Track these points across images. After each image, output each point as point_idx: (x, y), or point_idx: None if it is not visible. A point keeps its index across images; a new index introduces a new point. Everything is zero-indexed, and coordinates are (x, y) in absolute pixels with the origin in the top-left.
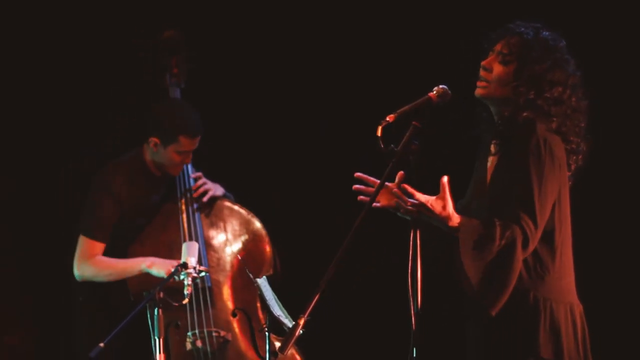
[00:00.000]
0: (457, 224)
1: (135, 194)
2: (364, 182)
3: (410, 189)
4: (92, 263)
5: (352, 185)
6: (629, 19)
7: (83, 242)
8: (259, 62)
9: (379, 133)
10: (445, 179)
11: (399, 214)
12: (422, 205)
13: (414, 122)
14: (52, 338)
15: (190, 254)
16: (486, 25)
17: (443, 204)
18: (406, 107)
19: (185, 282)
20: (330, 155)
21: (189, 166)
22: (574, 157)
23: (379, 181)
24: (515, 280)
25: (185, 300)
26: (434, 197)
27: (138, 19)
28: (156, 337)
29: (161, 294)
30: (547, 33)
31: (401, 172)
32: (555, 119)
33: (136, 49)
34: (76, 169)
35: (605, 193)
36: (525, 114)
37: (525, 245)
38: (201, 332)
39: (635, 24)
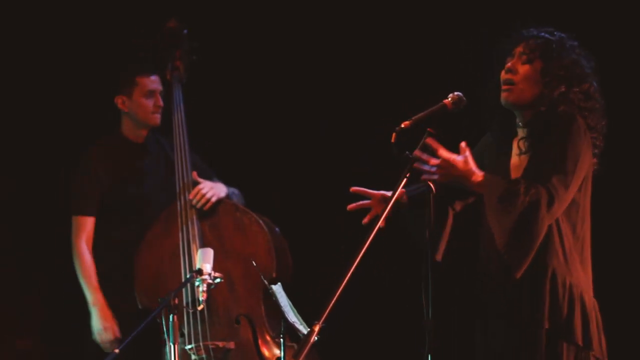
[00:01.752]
0: (481, 178)
1: (114, 165)
2: (361, 197)
3: (434, 144)
4: (77, 251)
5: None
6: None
7: (73, 221)
8: (262, 60)
9: (393, 140)
10: (463, 143)
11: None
12: (445, 161)
13: (428, 129)
14: (65, 342)
15: (205, 260)
16: (495, 29)
17: (465, 159)
18: (421, 114)
19: (201, 289)
20: (333, 156)
21: (188, 165)
22: (594, 160)
23: (375, 192)
24: (539, 241)
25: (201, 307)
26: (458, 156)
27: (139, 18)
28: (171, 344)
29: (176, 301)
30: (562, 34)
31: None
32: (587, 113)
33: (136, 48)
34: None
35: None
36: (563, 107)
37: (550, 204)
38: (198, 346)
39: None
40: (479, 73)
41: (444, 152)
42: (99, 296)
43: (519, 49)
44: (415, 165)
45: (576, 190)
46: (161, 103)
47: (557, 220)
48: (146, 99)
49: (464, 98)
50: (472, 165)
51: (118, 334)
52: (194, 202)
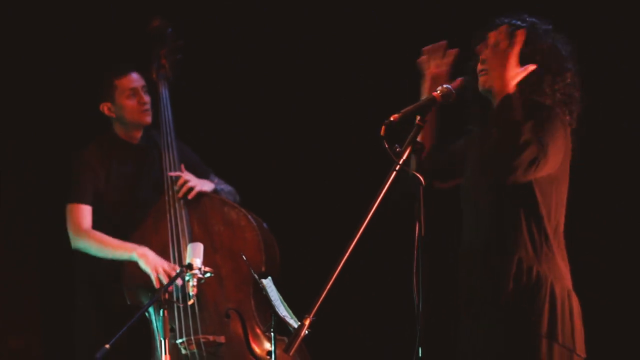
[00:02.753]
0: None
1: (107, 161)
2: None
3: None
4: (84, 233)
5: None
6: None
7: (68, 210)
8: (254, 58)
9: (382, 133)
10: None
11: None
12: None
13: (418, 122)
14: (59, 341)
15: (195, 254)
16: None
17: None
18: (410, 107)
19: (191, 283)
20: (332, 152)
21: (176, 160)
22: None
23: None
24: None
25: (191, 301)
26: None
27: (122, 17)
28: (161, 338)
29: (166, 295)
30: (533, 19)
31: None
32: (565, 100)
33: (120, 49)
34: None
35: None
36: (541, 98)
37: (535, 159)
38: (189, 339)
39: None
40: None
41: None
42: (128, 245)
43: (491, 38)
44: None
45: (556, 166)
46: (146, 99)
47: (529, 209)
48: (130, 100)
49: (454, 91)
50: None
51: (161, 264)
52: (176, 188)
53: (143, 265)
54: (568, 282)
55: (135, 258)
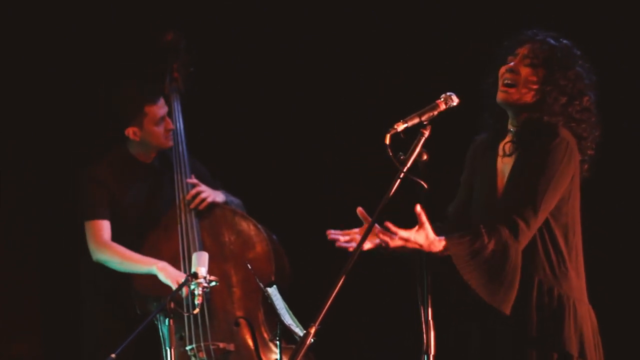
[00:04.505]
0: (443, 247)
1: (121, 180)
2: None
3: (393, 228)
4: (105, 247)
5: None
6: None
7: (87, 226)
8: (254, 58)
9: (387, 141)
10: (418, 207)
11: (383, 253)
12: (406, 240)
13: (422, 130)
14: (59, 341)
15: (200, 263)
16: (494, 32)
17: (425, 234)
18: (414, 115)
19: (196, 292)
20: (336, 161)
21: (187, 172)
22: (585, 167)
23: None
24: (519, 275)
25: (196, 310)
26: (414, 230)
27: (136, 30)
28: (167, 348)
29: (172, 305)
30: (566, 41)
31: (387, 223)
32: (584, 126)
33: (135, 59)
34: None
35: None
36: (551, 118)
37: (516, 237)
38: (199, 346)
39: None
40: (473, 74)
41: (403, 234)
42: (149, 259)
43: (523, 51)
44: (380, 242)
45: (553, 206)
46: (172, 126)
47: (543, 231)
48: (158, 126)
49: (457, 98)
50: (431, 236)
51: (181, 277)
52: (188, 199)
53: (163, 278)
54: (586, 297)
55: (156, 271)
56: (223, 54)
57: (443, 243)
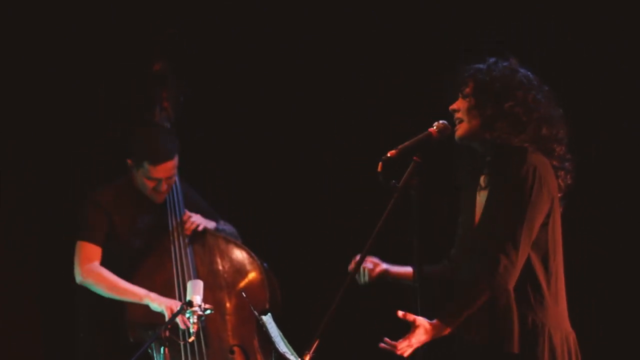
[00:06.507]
0: (444, 329)
1: (123, 209)
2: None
3: (391, 344)
4: (91, 271)
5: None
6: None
7: (78, 247)
8: (254, 58)
9: (379, 169)
10: (400, 313)
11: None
12: (411, 346)
13: (414, 158)
14: (59, 341)
15: (195, 292)
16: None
17: (423, 330)
18: (407, 143)
19: (191, 320)
20: (336, 161)
21: (180, 202)
22: (562, 174)
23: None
24: (515, 313)
25: (192, 339)
26: (412, 333)
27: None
28: None
29: (167, 333)
30: (494, 58)
31: (382, 345)
32: (526, 121)
33: (125, 89)
34: (82, 174)
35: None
36: (512, 139)
37: (502, 279)
38: None
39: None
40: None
41: (404, 344)
42: (139, 290)
43: (456, 88)
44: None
45: (536, 234)
46: (163, 189)
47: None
48: (150, 182)
49: (450, 126)
50: (428, 326)
51: (174, 304)
52: (187, 231)
53: (156, 307)
54: (566, 323)
55: (148, 302)
56: (223, 54)
57: (444, 326)
